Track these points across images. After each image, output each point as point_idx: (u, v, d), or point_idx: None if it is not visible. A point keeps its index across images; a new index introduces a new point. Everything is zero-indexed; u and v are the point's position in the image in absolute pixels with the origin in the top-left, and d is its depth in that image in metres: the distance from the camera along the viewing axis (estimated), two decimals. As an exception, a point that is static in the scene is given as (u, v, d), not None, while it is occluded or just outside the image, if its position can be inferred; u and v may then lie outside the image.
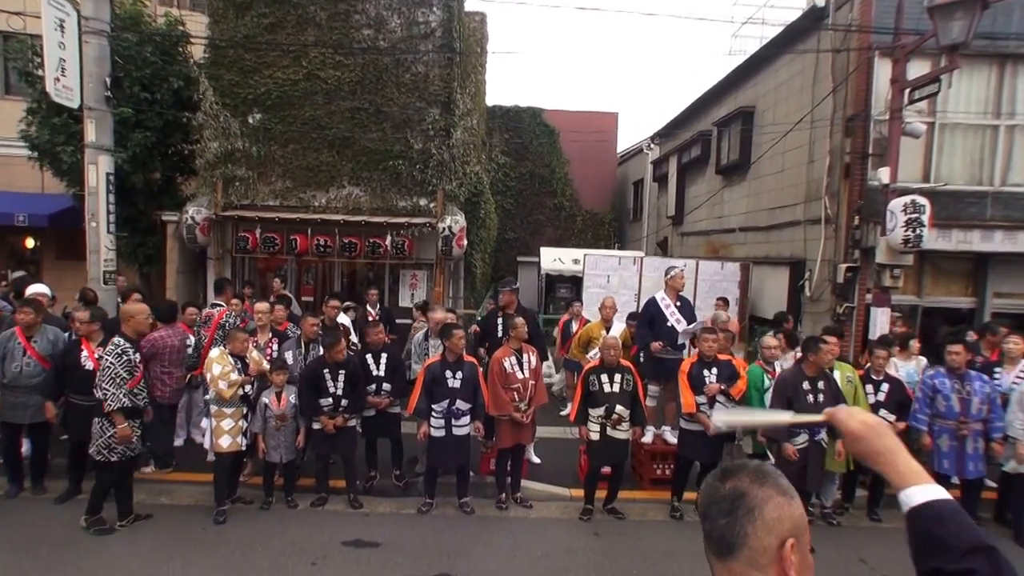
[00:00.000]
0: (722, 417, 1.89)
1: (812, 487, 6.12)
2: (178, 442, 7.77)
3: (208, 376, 6.11)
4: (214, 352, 6.27)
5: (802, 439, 5.94)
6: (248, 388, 6.29)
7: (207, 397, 6.34)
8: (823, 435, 5.98)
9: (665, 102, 67.09)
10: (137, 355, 5.77)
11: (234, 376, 6.05)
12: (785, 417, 2.02)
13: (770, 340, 6.89)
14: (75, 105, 8.55)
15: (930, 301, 10.01)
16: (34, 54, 10.92)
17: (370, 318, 8.82)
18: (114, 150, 9.09)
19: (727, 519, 1.26)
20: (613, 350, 6.48)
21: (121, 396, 5.52)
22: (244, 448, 6.28)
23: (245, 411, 6.26)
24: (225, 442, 6.12)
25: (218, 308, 8.20)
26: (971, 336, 8.00)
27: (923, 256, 9.50)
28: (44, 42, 8.12)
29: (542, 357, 7.17)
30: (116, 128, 9.30)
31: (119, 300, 8.46)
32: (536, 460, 7.84)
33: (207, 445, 6.47)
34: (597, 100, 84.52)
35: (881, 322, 8.52)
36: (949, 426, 6.36)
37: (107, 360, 5.57)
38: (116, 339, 5.72)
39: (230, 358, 6.15)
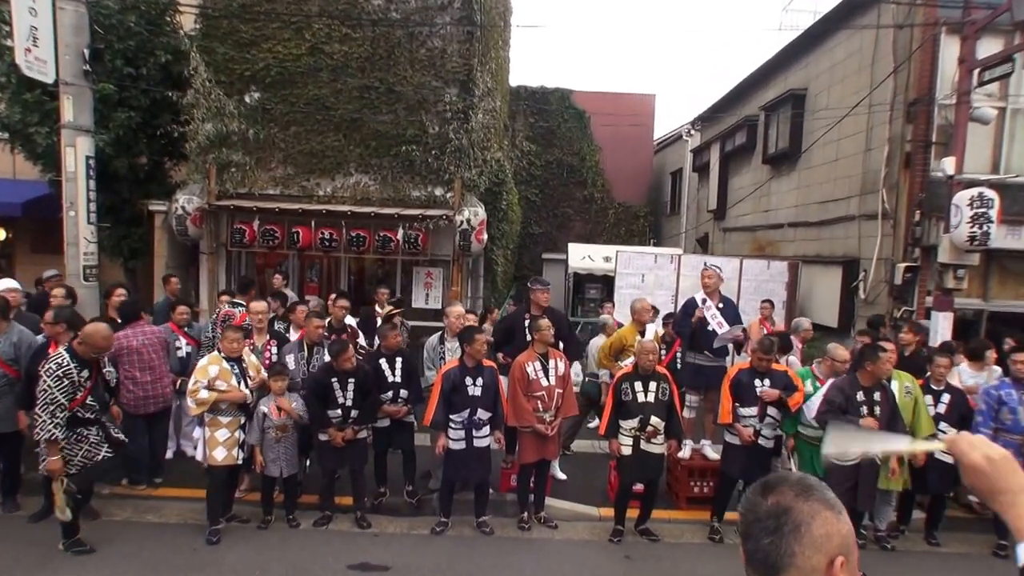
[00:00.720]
0: (832, 451, 1.89)
1: (864, 507, 6.30)
2: (168, 454, 7.90)
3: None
4: (203, 360, 6.35)
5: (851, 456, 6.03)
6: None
7: None
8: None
9: (707, 83, 66.98)
10: (85, 372, 5.63)
11: (204, 394, 6.08)
12: (902, 445, 2.11)
13: (842, 352, 6.95)
14: (50, 80, 8.58)
15: (997, 305, 10.21)
16: (2, 21, 10.80)
17: (379, 319, 8.95)
18: (95, 131, 9.27)
19: (771, 538, 1.31)
20: (651, 355, 6.59)
21: (51, 427, 5.37)
22: (240, 462, 6.38)
23: (243, 421, 6.36)
24: (220, 454, 6.19)
25: (240, 308, 8.34)
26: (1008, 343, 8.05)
27: (990, 255, 9.76)
28: (12, 8, 8.10)
29: (572, 361, 7.32)
30: (97, 106, 9.49)
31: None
32: (562, 476, 8.01)
33: (200, 457, 6.54)
34: (632, 81, 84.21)
35: (943, 327, 8.74)
36: (1015, 440, 6.59)
37: (44, 383, 5.41)
38: (60, 354, 5.60)
39: (225, 364, 6.25)
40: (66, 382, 5.47)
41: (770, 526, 1.32)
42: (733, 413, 6.64)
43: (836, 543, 1.29)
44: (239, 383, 6.31)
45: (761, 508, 1.35)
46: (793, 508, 1.31)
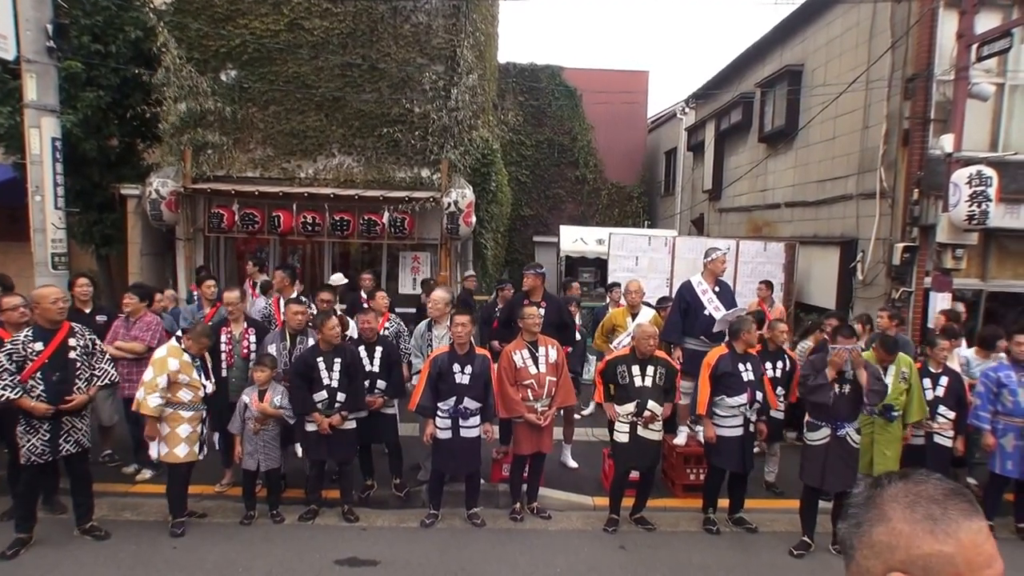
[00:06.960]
0: None
1: (832, 488, 6.23)
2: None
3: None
4: (160, 351, 6.25)
5: (821, 435, 6.19)
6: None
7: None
8: (848, 429, 6.17)
9: (702, 59, 67.09)
10: (39, 344, 5.70)
11: (156, 401, 6.04)
12: None
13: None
14: (10, 57, 8.44)
15: (996, 285, 10.38)
16: (-46, -5, 10.90)
17: (366, 305, 8.92)
18: (61, 111, 9.17)
19: (845, 524, 1.33)
20: (652, 339, 6.64)
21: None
22: (199, 458, 6.37)
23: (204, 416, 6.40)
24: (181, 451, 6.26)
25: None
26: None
27: (989, 235, 9.92)
28: (-34, -22, 7.98)
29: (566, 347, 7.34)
30: (63, 85, 9.41)
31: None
32: (573, 464, 8.16)
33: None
34: (624, 57, 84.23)
35: (942, 308, 8.90)
36: (1015, 424, 6.72)
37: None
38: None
39: (186, 357, 6.22)
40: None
41: (846, 512, 1.33)
42: (710, 404, 6.61)
43: (900, 558, 1.21)
44: (200, 376, 6.31)
45: (859, 494, 1.35)
46: (875, 507, 1.28)
